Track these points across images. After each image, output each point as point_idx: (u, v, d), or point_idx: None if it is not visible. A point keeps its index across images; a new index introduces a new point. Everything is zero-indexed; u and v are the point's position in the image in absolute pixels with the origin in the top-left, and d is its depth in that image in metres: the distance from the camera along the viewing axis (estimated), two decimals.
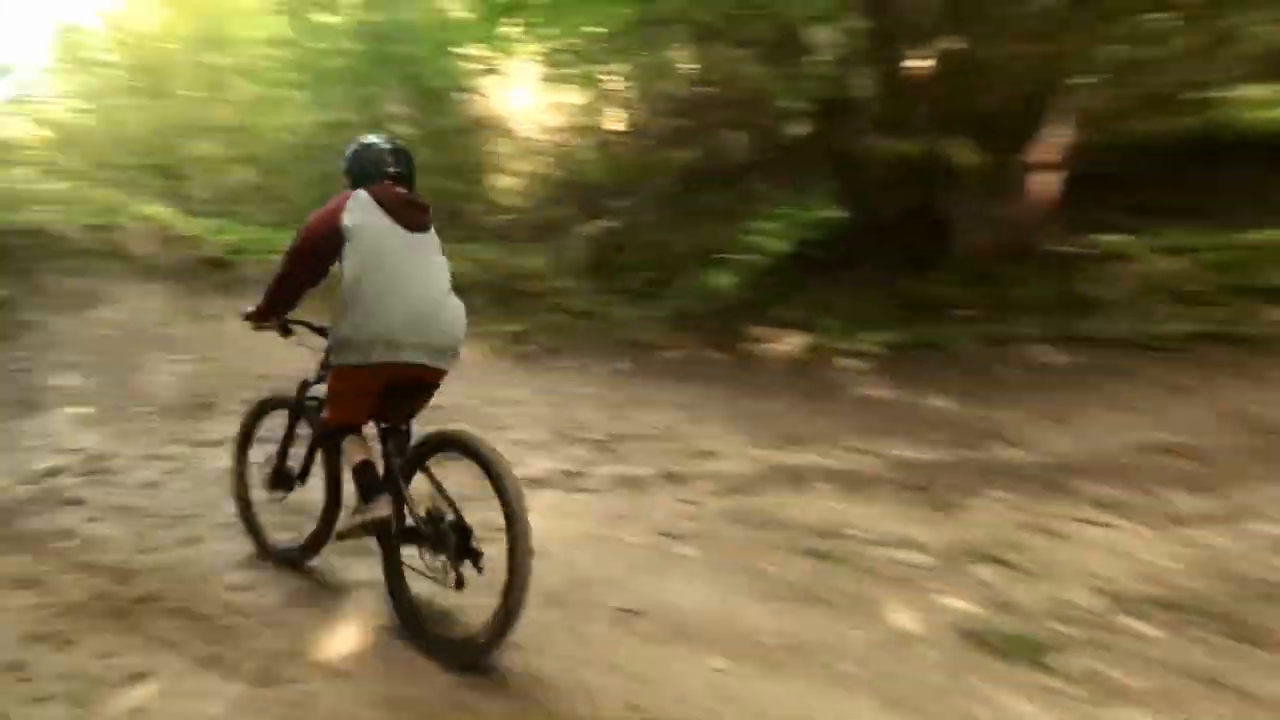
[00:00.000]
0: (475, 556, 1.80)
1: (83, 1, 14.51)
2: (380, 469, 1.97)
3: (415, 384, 2.00)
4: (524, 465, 3.27)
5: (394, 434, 2.04)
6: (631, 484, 3.26)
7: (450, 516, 1.83)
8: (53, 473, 3.10)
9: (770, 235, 5.38)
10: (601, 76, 11.68)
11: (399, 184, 2.03)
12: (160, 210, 7.32)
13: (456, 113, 11.40)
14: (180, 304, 5.90)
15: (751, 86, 7.22)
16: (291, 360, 5.39)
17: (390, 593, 1.95)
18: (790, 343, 5.55)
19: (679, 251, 8.06)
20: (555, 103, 12.15)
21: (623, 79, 12.10)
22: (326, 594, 2.11)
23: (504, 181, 11.19)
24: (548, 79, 12.36)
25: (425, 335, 1.90)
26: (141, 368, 4.72)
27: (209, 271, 6.45)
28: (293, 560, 2.26)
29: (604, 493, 3.16)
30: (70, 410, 3.97)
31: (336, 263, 1.94)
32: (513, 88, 11.88)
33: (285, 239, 6.70)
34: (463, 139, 10.28)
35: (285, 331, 2.28)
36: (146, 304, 5.69)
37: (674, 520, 2.84)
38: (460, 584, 1.79)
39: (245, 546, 2.34)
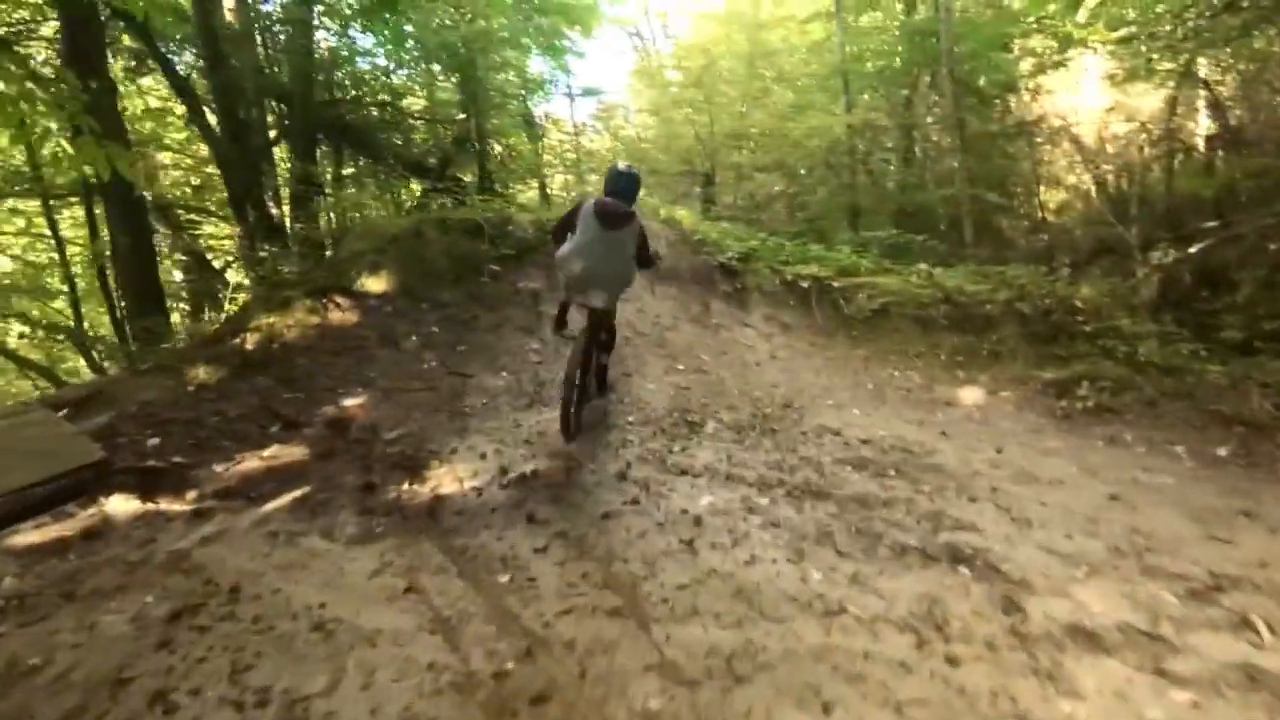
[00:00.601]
0: None
1: (660, 26, 20.48)
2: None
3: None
4: (1066, 595, 2.97)
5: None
6: (1257, 679, 2.39)
7: None
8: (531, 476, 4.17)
9: None
10: (1188, 68, 11.17)
11: (614, 197, 4.54)
12: (684, 213, 9.19)
13: (1002, 115, 12.49)
14: (688, 309, 7.46)
15: None
16: (785, 378, 7.57)
17: None
18: None
19: None
20: (1124, 103, 12.09)
21: (1218, 70, 11.28)
22: None
23: (1052, 195, 11.80)
24: (1117, 75, 12.35)
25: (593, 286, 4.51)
26: (636, 373, 6.00)
27: (721, 277, 8.02)
28: None
29: (1210, 686, 2.36)
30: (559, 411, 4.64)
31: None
32: (1073, 87, 12.29)
33: (796, 250, 8.74)
34: (1007, 145, 11.35)
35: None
36: (654, 306, 7.27)
37: None
38: None
39: None
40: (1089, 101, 13.51)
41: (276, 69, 10.27)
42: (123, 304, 9.11)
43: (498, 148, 12.59)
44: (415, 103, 13.07)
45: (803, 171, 12.58)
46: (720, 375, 6.46)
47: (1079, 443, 5.54)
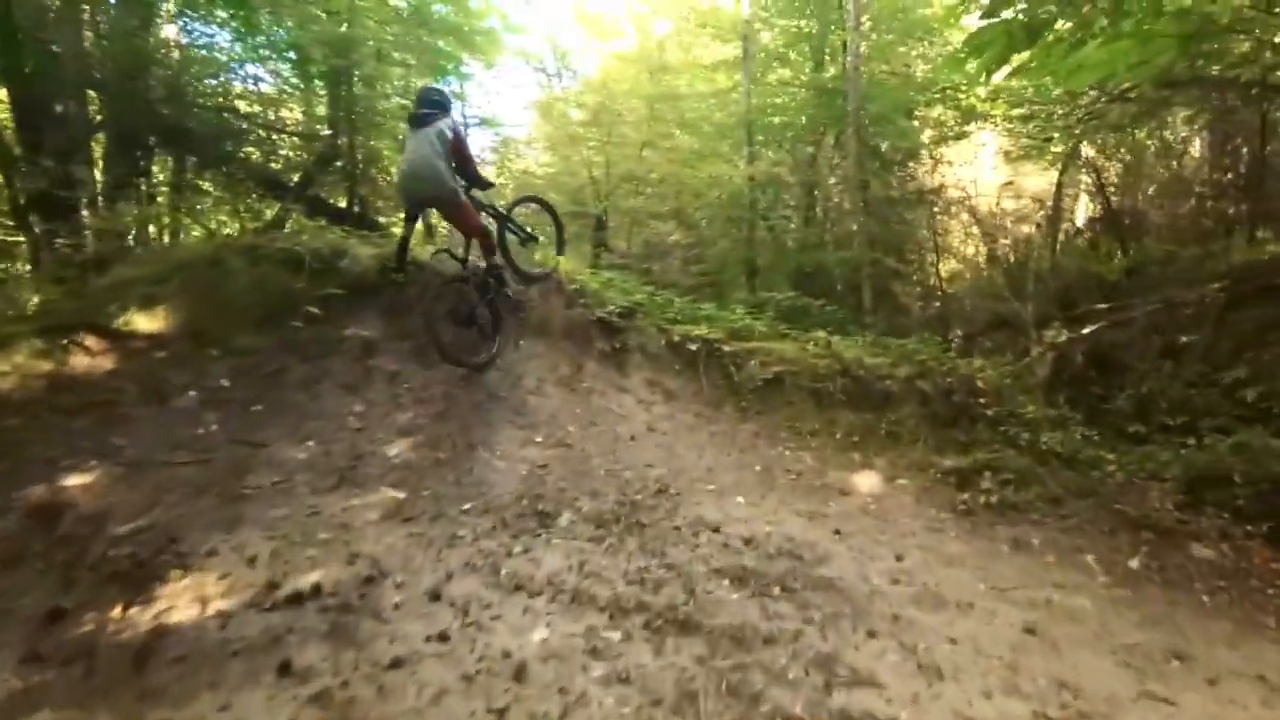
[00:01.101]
0: None
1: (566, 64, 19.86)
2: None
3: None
4: None
5: None
6: None
7: None
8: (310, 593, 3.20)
9: None
10: (1075, 151, 11.47)
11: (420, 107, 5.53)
12: (560, 259, 7.95)
13: (902, 182, 12.45)
14: (557, 369, 6.54)
15: None
16: (662, 456, 6.70)
17: None
18: None
19: (1208, 385, 7.40)
20: (1017, 180, 12.30)
21: (1103, 156, 11.66)
22: None
23: (946, 264, 11.74)
24: (1012, 151, 12.60)
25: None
26: (482, 445, 5.13)
27: (599, 334, 7.12)
28: None
29: None
30: (378, 495, 4.22)
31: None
32: (971, 159, 12.45)
33: (686, 308, 8.03)
34: (906, 211, 11.21)
35: None
36: (517, 365, 6.30)
37: None
38: None
39: None
40: (984, 175, 13.77)
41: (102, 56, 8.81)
42: None
43: (373, 171, 11.45)
44: (283, 115, 11.79)
45: (702, 223, 12.02)
46: (587, 451, 5.58)
47: (984, 547, 5.05)
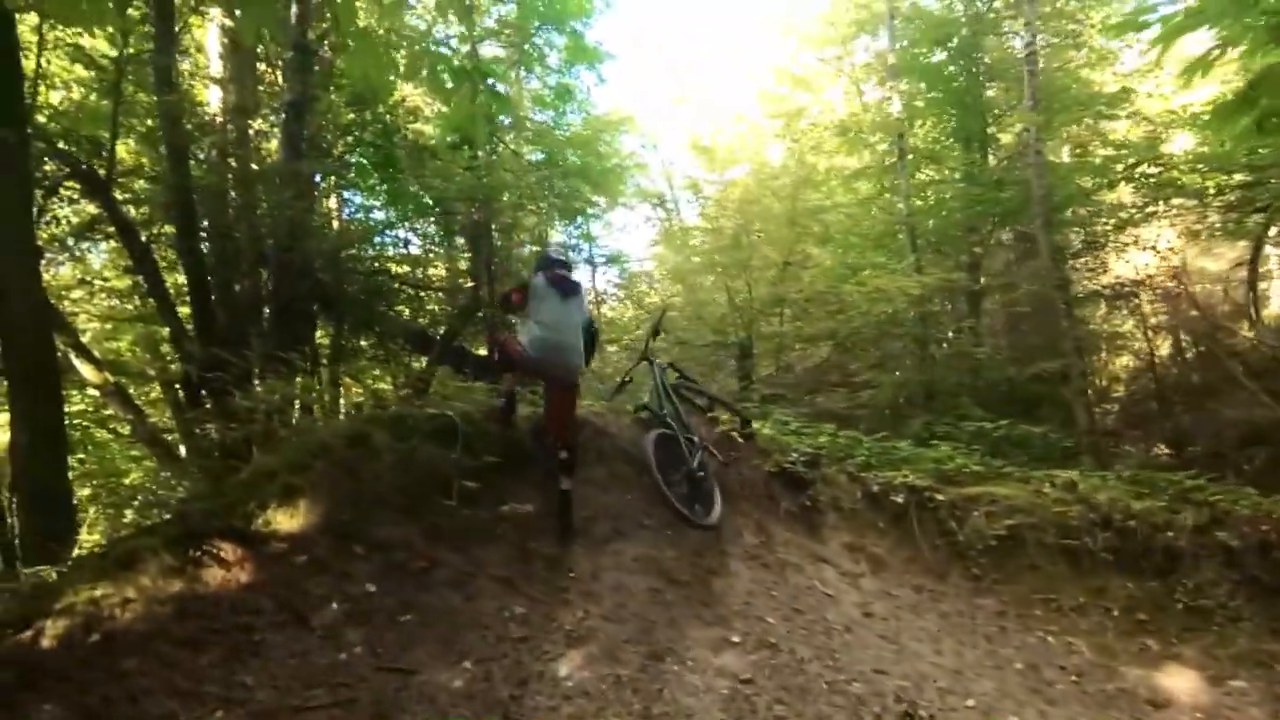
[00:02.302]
0: None
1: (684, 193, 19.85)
2: None
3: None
4: None
5: None
6: None
7: None
8: None
9: None
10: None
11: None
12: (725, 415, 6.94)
13: (1093, 275, 11.13)
14: (740, 538, 5.45)
15: None
16: (892, 656, 4.51)
17: None
18: None
19: None
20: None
21: None
22: None
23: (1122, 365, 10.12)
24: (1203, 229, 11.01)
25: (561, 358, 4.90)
26: (669, 654, 4.15)
27: (783, 490, 6.15)
28: None
29: None
30: None
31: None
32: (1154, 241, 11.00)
33: (878, 449, 6.80)
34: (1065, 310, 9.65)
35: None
36: (690, 533, 5.25)
37: None
38: None
39: None
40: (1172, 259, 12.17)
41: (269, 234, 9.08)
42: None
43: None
44: (432, 272, 12.16)
45: (862, 345, 11.01)
46: (797, 653, 4.49)
47: None
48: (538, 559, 4.80)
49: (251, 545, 4.03)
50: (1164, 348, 12.67)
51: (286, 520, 4.34)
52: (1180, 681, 4.72)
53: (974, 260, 11.43)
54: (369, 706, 3.51)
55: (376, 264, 10.11)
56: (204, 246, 8.01)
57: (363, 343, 9.94)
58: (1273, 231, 10.69)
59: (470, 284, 10.76)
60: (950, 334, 10.16)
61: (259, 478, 4.46)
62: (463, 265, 11.66)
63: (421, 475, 4.83)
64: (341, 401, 9.09)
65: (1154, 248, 11.78)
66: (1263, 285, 12.21)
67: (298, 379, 5.37)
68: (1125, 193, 11.57)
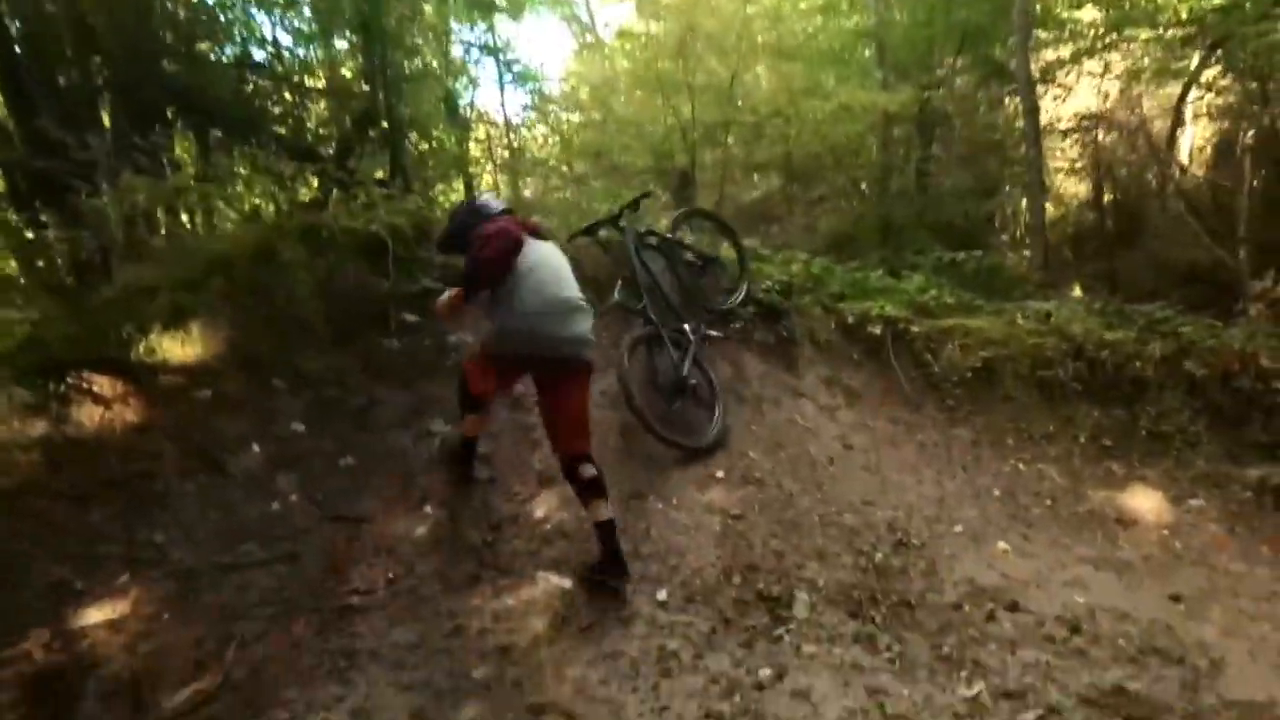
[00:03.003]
0: None
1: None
2: None
3: None
4: None
5: None
6: None
7: None
8: None
9: None
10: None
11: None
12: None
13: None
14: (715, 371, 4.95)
15: None
16: (876, 486, 4.46)
17: None
18: None
19: None
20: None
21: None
22: None
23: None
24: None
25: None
26: (653, 491, 3.99)
27: (757, 321, 5.80)
28: None
29: None
30: (536, 587, 3.13)
31: None
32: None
33: (851, 279, 6.51)
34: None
35: None
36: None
37: None
38: None
39: None
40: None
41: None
42: None
43: (414, 136, 10.15)
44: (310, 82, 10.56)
45: (825, 173, 10.48)
46: (784, 487, 4.32)
47: None
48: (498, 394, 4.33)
49: (135, 378, 3.37)
50: (1108, 185, 12.61)
51: (177, 348, 3.65)
52: (1144, 502, 4.89)
53: (935, 83, 10.83)
54: (318, 560, 3.10)
55: (244, 62, 8.54)
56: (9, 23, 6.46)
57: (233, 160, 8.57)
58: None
59: (366, 89, 9.34)
60: (913, 163, 9.71)
61: (133, 296, 3.68)
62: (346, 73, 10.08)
63: (350, 302, 4.19)
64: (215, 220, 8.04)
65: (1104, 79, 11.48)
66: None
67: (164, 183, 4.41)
68: (1091, 12, 11.02)
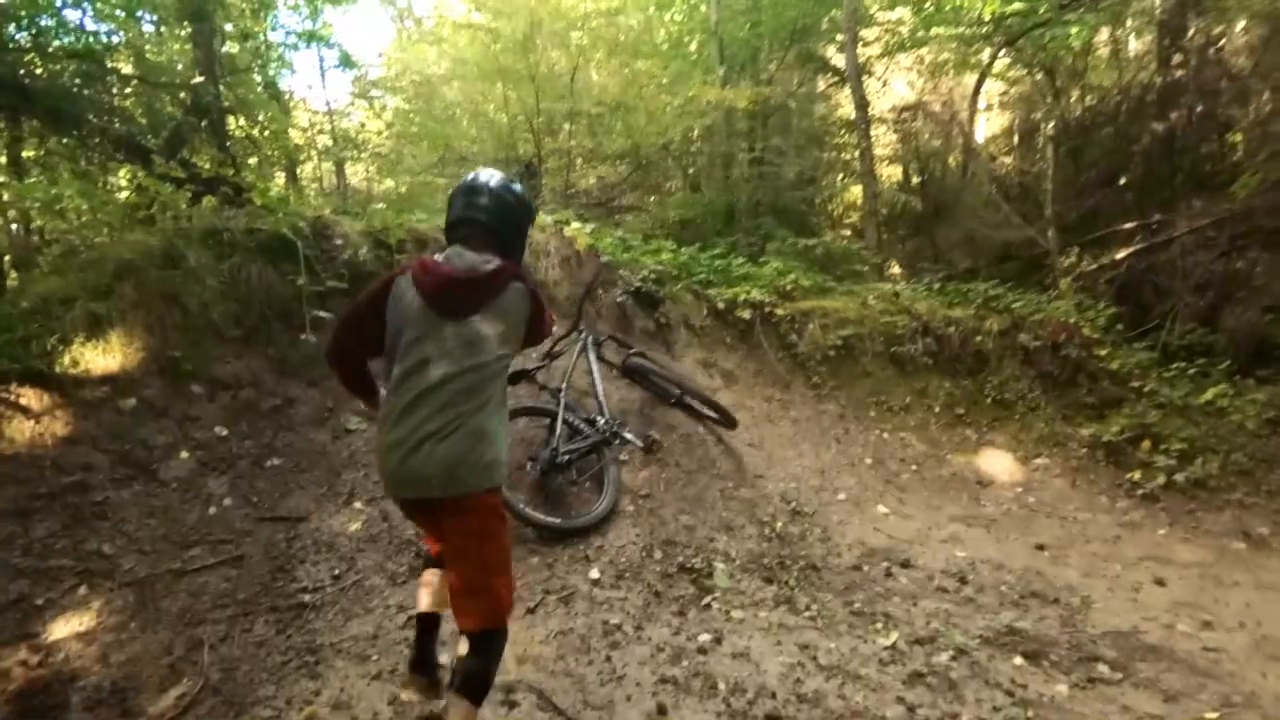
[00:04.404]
0: None
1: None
2: None
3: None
4: None
5: None
6: None
7: None
8: None
9: None
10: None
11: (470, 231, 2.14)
12: (575, 224, 6.37)
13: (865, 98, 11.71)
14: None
15: None
16: (763, 460, 4.94)
17: None
18: None
19: None
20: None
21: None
22: None
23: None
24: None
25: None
26: None
27: (636, 309, 5.95)
28: None
29: None
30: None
31: None
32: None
33: (716, 265, 7.07)
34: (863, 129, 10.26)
35: None
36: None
37: None
38: None
39: None
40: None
41: None
42: None
43: (243, 122, 9.67)
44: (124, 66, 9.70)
45: (674, 162, 10.99)
46: (683, 466, 4.67)
47: (1216, 548, 4.45)
48: None
49: (61, 389, 3.26)
50: (921, 169, 13.88)
51: (99, 357, 3.53)
52: (997, 463, 5.57)
53: (769, 78, 11.66)
54: (263, 562, 3.13)
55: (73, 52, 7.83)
56: None
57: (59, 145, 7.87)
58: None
59: (199, 78, 8.84)
60: (754, 153, 10.42)
61: (50, 306, 3.54)
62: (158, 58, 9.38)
63: (257, 301, 4.14)
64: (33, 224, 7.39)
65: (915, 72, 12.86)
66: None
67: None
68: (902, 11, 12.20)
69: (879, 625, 3.28)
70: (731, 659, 2.93)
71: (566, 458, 3.93)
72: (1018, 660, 3.03)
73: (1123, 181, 10.21)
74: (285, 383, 3.90)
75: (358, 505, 3.49)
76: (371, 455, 3.73)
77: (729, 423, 4.93)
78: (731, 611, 3.32)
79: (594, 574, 3.49)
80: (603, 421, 4.24)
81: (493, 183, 2.17)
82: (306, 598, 2.93)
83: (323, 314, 4.03)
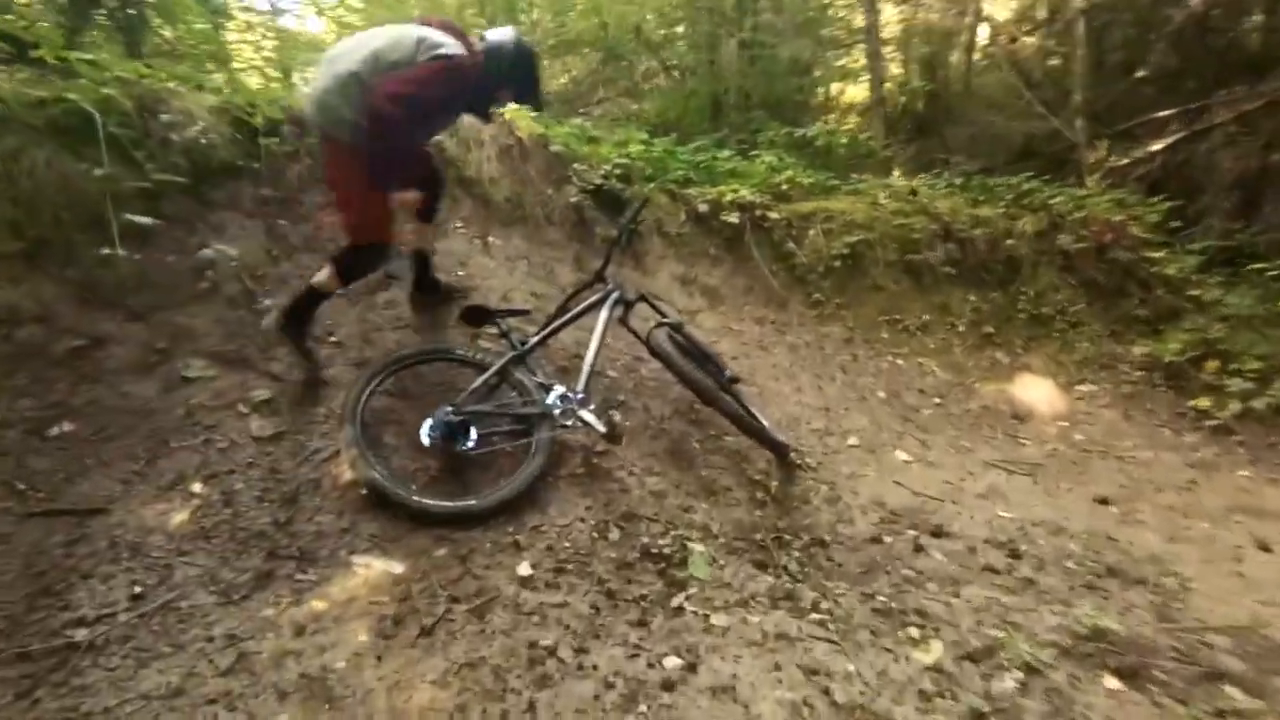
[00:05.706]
0: None
1: None
2: None
3: None
4: None
5: None
6: None
7: None
8: None
9: None
10: None
11: None
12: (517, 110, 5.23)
13: None
14: (556, 277, 4.58)
15: None
16: (769, 405, 4.06)
17: None
18: None
19: None
20: None
21: None
22: None
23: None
24: None
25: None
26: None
27: (594, 211, 5.10)
28: None
29: None
30: (345, 581, 2.41)
31: None
32: None
33: (696, 160, 5.88)
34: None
35: None
36: (501, 276, 4.25)
37: None
38: None
39: None
40: None
41: None
42: None
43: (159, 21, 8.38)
44: None
45: (652, 48, 9.74)
46: (652, 411, 3.77)
47: None
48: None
49: None
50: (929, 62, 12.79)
51: None
52: (1035, 391, 4.77)
53: None
54: (21, 581, 2.20)
55: None
56: None
57: None
58: None
59: None
60: (745, 31, 9.19)
61: None
62: None
63: (48, 203, 3.08)
64: None
65: None
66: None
67: None
68: None
69: (914, 631, 2.44)
70: (710, 698, 2.09)
71: (463, 419, 2.95)
72: (1110, 682, 2.23)
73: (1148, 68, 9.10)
74: (91, 316, 2.90)
75: (191, 487, 2.54)
76: (223, 412, 2.78)
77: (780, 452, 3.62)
78: (712, 616, 2.47)
79: (524, 569, 2.59)
80: (556, 394, 3.14)
81: None
82: (80, 634, 2.01)
83: (145, 220, 2.98)
